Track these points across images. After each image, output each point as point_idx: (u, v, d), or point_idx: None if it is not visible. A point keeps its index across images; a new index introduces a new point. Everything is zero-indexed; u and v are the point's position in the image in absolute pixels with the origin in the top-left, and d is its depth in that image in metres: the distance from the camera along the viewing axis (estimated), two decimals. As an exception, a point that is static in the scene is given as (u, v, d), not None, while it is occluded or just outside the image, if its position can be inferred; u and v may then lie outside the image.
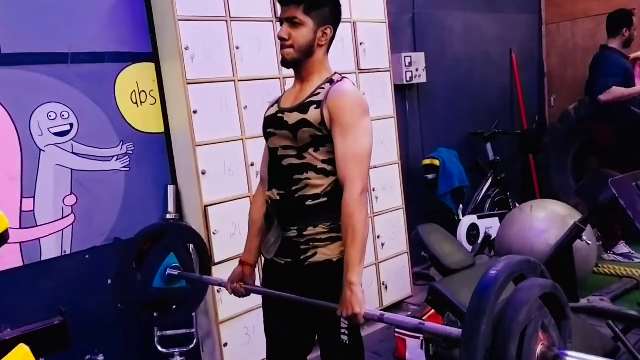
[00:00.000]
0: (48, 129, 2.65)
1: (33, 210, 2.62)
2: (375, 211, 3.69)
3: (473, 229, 4.32)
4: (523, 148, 5.04)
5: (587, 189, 3.14)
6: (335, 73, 1.90)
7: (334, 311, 1.72)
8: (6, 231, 1.01)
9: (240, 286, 2.05)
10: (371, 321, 1.72)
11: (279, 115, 1.87)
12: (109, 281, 2.87)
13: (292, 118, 1.82)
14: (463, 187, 4.36)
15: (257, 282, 2.10)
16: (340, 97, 1.77)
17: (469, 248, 4.11)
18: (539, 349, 1.25)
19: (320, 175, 1.81)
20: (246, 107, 3.01)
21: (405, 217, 3.89)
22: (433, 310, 2.99)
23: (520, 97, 5.26)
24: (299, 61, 1.85)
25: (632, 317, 2.94)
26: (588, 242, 3.17)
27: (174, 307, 2.48)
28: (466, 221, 4.31)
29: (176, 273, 2.31)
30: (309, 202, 1.82)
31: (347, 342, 1.78)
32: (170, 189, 3.03)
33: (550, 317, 1.30)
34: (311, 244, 1.82)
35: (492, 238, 4.14)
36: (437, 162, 4.26)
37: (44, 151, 2.64)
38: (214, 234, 2.93)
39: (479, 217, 4.38)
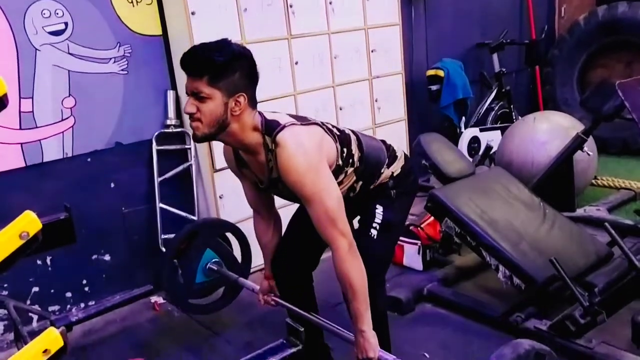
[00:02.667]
0: (43, 27, 2.57)
1: (32, 112, 2.60)
2: (377, 122, 3.67)
3: (474, 141, 4.31)
4: (530, 60, 4.92)
5: (591, 99, 3.08)
6: (264, 134, 1.69)
7: (372, 206, 1.92)
8: (5, 96, 0.99)
9: (270, 299, 2.16)
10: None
11: (262, 186, 1.85)
12: (112, 185, 2.91)
13: (279, 192, 1.82)
14: (466, 98, 4.30)
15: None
16: (288, 173, 1.65)
17: (470, 160, 4.12)
18: None
19: (342, 183, 1.85)
20: (246, 9, 2.90)
21: (407, 128, 3.87)
22: (432, 218, 3.04)
23: (530, 6, 5.07)
24: (212, 135, 1.66)
25: (627, 225, 3.00)
26: (589, 153, 3.16)
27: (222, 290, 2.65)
28: (468, 134, 4.29)
29: (216, 268, 2.46)
30: (352, 194, 1.91)
31: (375, 237, 1.89)
32: (170, 94, 2.99)
33: None
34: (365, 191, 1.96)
35: (493, 151, 4.14)
36: (441, 73, 4.17)
37: (39, 50, 2.58)
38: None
39: (481, 130, 4.36)
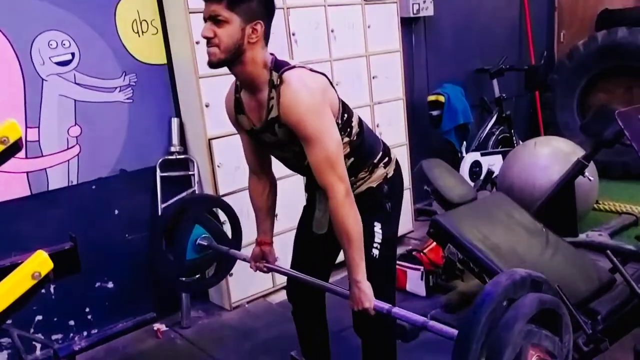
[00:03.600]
0: (49, 57, 2.61)
1: (38, 140, 2.63)
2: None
3: (476, 166, 4.34)
4: (530, 85, 4.97)
5: (591, 125, 3.12)
6: (272, 70, 1.71)
7: (370, 225, 1.85)
8: (20, 139, 1.02)
9: (263, 265, 2.12)
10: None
11: (256, 132, 1.82)
12: (116, 212, 2.92)
13: (269, 138, 1.79)
14: (467, 123, 4.34)
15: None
16: (290, 109, 1.66)
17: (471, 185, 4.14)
18: None
19: None
20: (249, 39, 2.95)
21: (409, 153, 3.89)
22: (434, 243, 3.05)
23: (529, 32, 5.15)
24: (227, 62, 1.68)
25: (629, 251, 3.00)
26: (590, 178, 3.18)
27: (215, 267, 2.57)
28: (469, 158, 4.32)
29: (206, 244, 2.41)
30: None
31: (377, 257, 1.87)
32: (174, 121, 3.03)
33: (540, 330, 1.34)
34: (355, 185, 1.88)
35: (494, 175, 4.16)
36: (442, 98, 4.22)
37: (46, 81, 2.62)
38: (218, 167, 2.96)
39: (482, 155, 4.39)
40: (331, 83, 1.82)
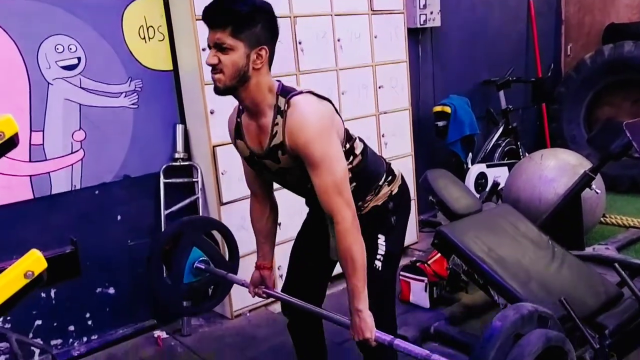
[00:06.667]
0: (56, 61, 2.62)
1: (42, 144, 2.63)
2: (384, 157, 3.67)
3: (481, 177, 4.31)
4: (536, 97, 4.96)
5: (598, 138, 3.10)
6: (278, 95, 1.69)
7: (374, 237, 1.83)
8: (16, 135, 1.00)
9: (261, 291, 2.09)
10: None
11: (257, 159, 1.80)
12: (119, 217, 2.91)
13: (271, 165, 1.76)
14: (473, 135, 4.31)
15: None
16: (297, 134, 1.64)
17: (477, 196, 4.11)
18: None
19: None
20: (256, 45, 2.95)
21: (414, 163, 3.88)
22: (439, 254, 3.02)
23: (536, 45, 5.14)
24: (233, 88, 1.66)
25: (636, 265, 2.96)
26: (597, 191, 3.14)
27: (210, 290, 2.55)
28: (475, 170, 4.29)
29: (203, 267, 2.39)
30: None
31: (380, 269, 1.84)
32: (179, 128, 3.02)
33: None
34: (362, 208, 1.88)
35: (500, 187, 4.13)
36: (448, 109, 4.20)
37: (52, 84, 2.62)
38: (222, 174, 2.94)
39: (488, 166, 4.36)
40: (336, 110, 1.80)
